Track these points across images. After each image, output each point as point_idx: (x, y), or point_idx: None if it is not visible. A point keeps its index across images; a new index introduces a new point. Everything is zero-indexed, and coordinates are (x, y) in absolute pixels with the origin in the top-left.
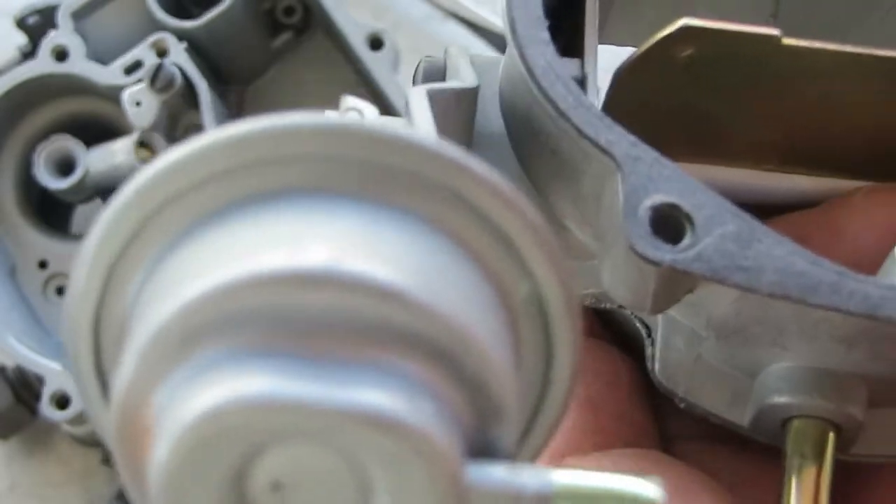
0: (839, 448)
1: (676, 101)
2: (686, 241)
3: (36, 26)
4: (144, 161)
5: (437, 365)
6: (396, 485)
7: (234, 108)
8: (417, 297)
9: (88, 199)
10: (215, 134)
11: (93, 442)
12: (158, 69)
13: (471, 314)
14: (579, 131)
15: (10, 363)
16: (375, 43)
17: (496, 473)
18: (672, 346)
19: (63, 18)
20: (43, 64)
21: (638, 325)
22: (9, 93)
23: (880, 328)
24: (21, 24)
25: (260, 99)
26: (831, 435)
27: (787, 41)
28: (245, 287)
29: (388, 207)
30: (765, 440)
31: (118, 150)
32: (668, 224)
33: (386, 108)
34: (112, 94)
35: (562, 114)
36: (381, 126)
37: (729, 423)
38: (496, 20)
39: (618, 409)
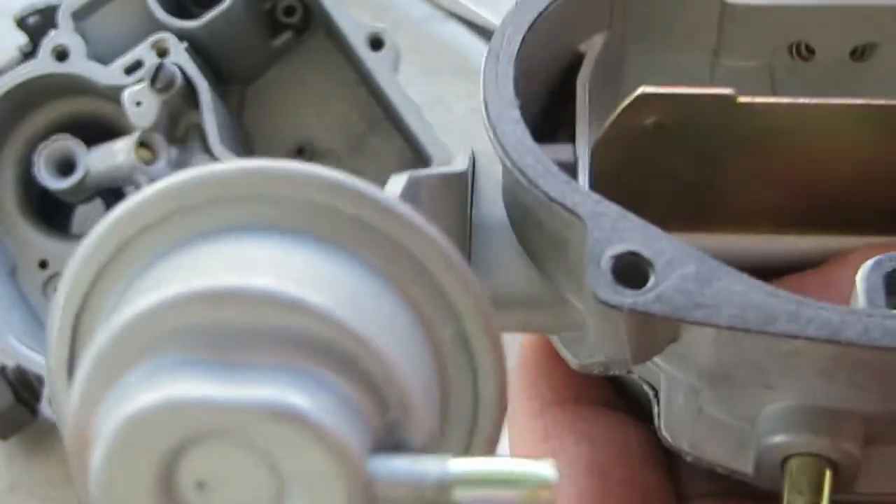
0: (840, 487)
1: (657, 172)
2: (647, 285)
3: (36, 26)
4: (145, 161)
5: (341, 369)
6: (305, 478)
7: (234, 108)
8: (317, 305)
9: (89, 199)
10: (194, 171)
11: None
12: (159, 69)
13: (376, 326)
14: (548, 196)
15: (10, 363)
16: (375, 43)
17: (399, 464)
18: (674, 402)
19: (63, 18)
20: (43, 64)
21: (645, 387)
22: (9, 93)
23: (849, 355)
24: (21, 23)
25: (260, 99)
26: (828, 472)
27: (742, 99)
28: (168, 307)
29: (314, 239)
30: (769, 486)
31: (119, 151)
32: (630, 271)
33: (386, 108)
34: (112, 94)
35: (531, 182)
36: (319, 170)
37: (736, 473)
38: (496, 20)
39: (627, 476)
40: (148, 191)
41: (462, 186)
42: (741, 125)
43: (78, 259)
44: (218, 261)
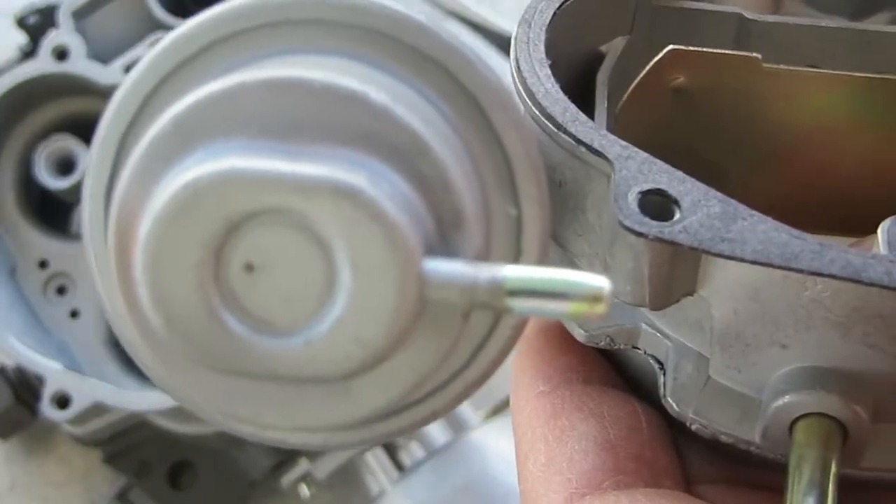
0: (847, 455)
1: (676, 145)
2: (674, 219)
3: (36, 26)
4: None
5: (401, 166)
6: (359, 265)
7: None
8: (378, 99)
9: None
10: None
11: (93, 442)
12: None
13: (433, 134)
14: (576, 139)
15: (10, 363)
16: None
17: (452, 265)
18: (682, 371)
19: (63, 18)
20: (43, 63)
21: (651, 361)
22: (9, 92)
23: (870, 304)
24: (21, 23)
25: None
26: (837, 435)
27: (768, 65)
28: (233, 92)
29: (374, 60)
30: (774, 453)
31: None
32: (657, 207)
33: None
34: (112, 94)
35: (560, 127)
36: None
37: (741, 441)
38: (496, 20)
39: (638, 452)
40: (217, 9)
41: None
42: (762, 92)
43: (139, 69)
44: (283, 61)
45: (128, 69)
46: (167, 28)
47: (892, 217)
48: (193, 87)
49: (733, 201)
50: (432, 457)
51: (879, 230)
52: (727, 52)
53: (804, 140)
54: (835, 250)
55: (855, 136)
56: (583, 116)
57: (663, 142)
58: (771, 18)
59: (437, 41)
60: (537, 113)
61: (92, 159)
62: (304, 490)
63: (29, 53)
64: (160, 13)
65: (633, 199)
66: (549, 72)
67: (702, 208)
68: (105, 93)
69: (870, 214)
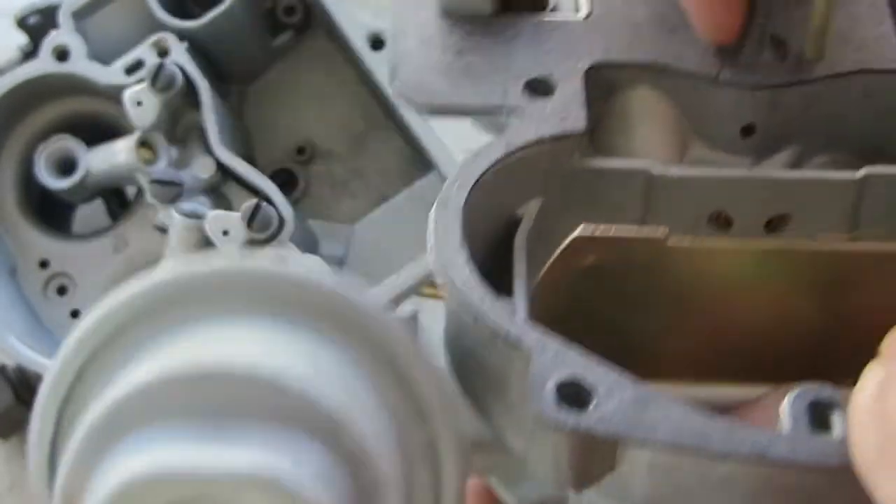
0: None
1: (592, 317)
2: (590, 408)
3: (37, 26)
4: (145, 161)
5: (320, 440)
6: None
7: (234, 108)
8: (297, 385)
9: (89, 199)
10: (175, 269)
11: None
12: (159, 69)
13: (351, 405)
14: (493, 331)
15: (10, 362)
16: (376, 43)
17: None
18: None
19: (64, 18)
20: (44, 64)
21: None
22: (9, 93)
23: (777, 479)
24: (22, 23)
25: (260, 99)
26: None
27: (673, 242)
28: (154, 385)
29: (294, 325)
30: None
31: (119, 150)
32: (573, 396)
33: (387, 109)
34: (113, 94)
35: (478, 318)
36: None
37: None
38: None
39: None
40: (130, 289)
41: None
42: (670, 267)
43: (65, 351)
44: (202, 341)
45: (128, 70)
46: (168, 29)
47: (796, 391)
48: (122, 367)
49: (646, 386)
50: None
51: (782, 408)
52: (633, 234)
53: (711, 301)
54: (743, 430)
55: (759, 295)
56: (499, 306)
57: (581, 310)
58: (677, 172)
59: (351, 304)
60: (455, 303)
61: (33, 431)
62: None
63: (29, 54)
64: (161, 14)
65: (549, 389)
66: (467, 257)
67: (616, 395)
68: (106, 93)
69: (776, 362)
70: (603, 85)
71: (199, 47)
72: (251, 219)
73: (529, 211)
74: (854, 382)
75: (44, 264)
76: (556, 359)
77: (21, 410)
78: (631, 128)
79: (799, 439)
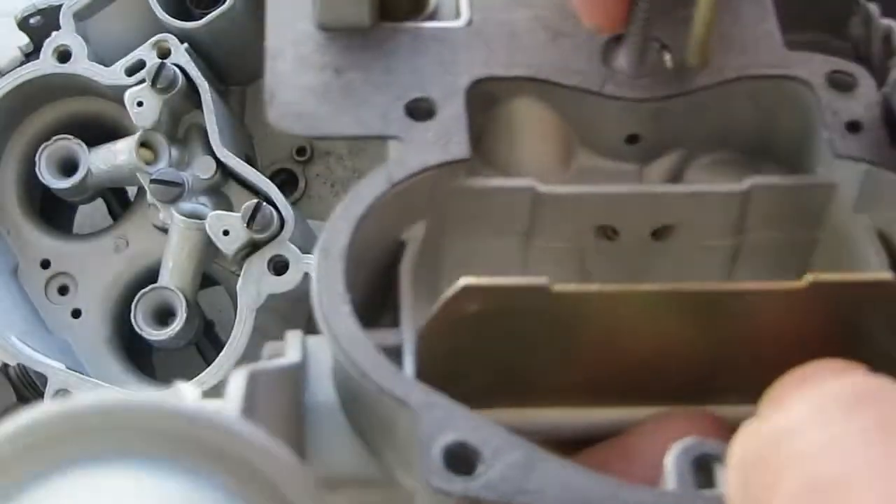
0: None
1: (479, 355)
2: (476, 472)
3: (38, 27)
4: (146, 161)
5: None
6: None
7: (234, 108)
8: None
9: (90, 199)
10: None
11: None
12: (160, 69)
13: None
14: (380, 388)
15: (12, 362)
16: None
17: None
18: None
19: (65, 19)
20: (45, 64)
21: None
22: (11, 93)
23: None
24: (23, 24)
25: (260, 99)
26: None
27: (556, 289)
28: None
29: (161, 463)
30: None
31: (120, 151)
32: (459, 459)
33: None
34: (114, 95)
35: (363, 374)
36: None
37: None
38: None
39: None
40: (22, 419)
41: (297, 376)
42: (555, 310)
43: None
44: (77, 482)
45: (129, 71)
46: (169, 30)
47: (681, 445)
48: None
49: (533, 446)
50: None
51: (667, 461)
52: (517, 282)
53: (597, 337)
54: (628, 490)
55: (643, 328)
56: (384, 361)
57: (468, 350)
58: (562, 190)
59: (226, 434)
60: (341, 357)
61: None
62: None
63: (31, 55)
64: (161, 15)
65: (436, 452)
66: (350, 308)
67: (503, 457)
68: (107, 94)
69: (664, 385)
70: (485, 97)
71: (199, 48)
72: (251, 219)
73: (414, 235)
74: (737, 401)
75: (45, 264)
76: (442, 420)
77: (23, 410)
78: (515, 139)
79: (685, 497)
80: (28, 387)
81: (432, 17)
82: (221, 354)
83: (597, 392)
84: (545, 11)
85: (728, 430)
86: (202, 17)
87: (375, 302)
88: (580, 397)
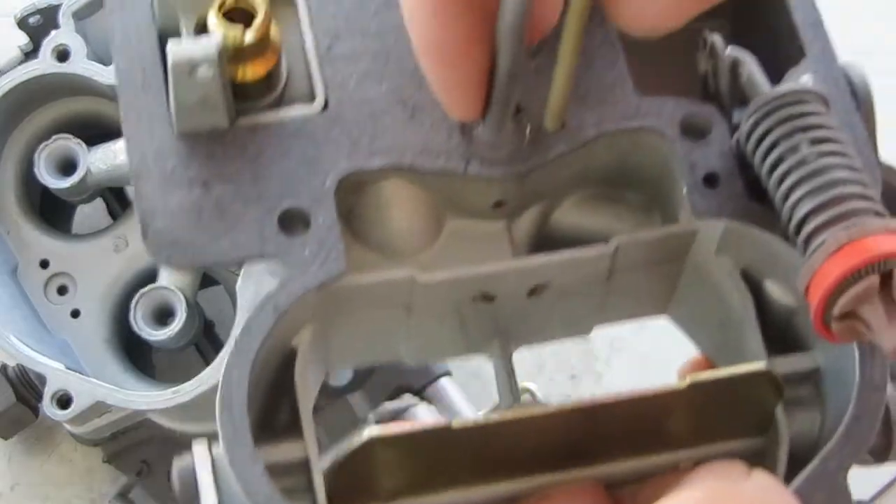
0: None
1: (386, 477)
2: None
3: (37, 26)
4: None
5: None
6: None
7: None
8: None
9: (90, 199)
10: None
11: (94, 441)
12: None
13: None
14: None
15: (11, 362)
16: None
17: None
18: None
19: (64, 18)
20: (44, 64)
21: None
22: (10, 93)
23: None
24: (22, 23)
25: None
26: None
27: (457, 425)
28: None
29: None
30: None
31: (119, 150)
32: None
33: None
34: (113, 94)
35: None
36: None
37: None
38: None
39: None
40: None
41: None
42: (457, 440)
43: None
44: None
45: None
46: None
47: None
48: None
49: None
50: None
51: None
52: (420, 428)
53: (495, 448)
54: None
55: (534, 437)
56: None
57: (373, 477)
58: (439, 276)
59: None
60: None
61: None
62: None
63: (29, 54)
64: None
65: None
66: (262, 467)
67: None
68: (106, 93)
69: (539, 460)
70: (353, 186)
71: None
72: None
73: (303, 341)
74: (614, 458)
75: (44, 264)
76: None
77: (22, 410)
78: (386, 217)
79: None
80: (27, 387)
81: (283, 94)
82: (221, 354)
83: (486, 471)
84: (400, 81)
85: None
86: None
87: (268, 403)
88: (471, 479)
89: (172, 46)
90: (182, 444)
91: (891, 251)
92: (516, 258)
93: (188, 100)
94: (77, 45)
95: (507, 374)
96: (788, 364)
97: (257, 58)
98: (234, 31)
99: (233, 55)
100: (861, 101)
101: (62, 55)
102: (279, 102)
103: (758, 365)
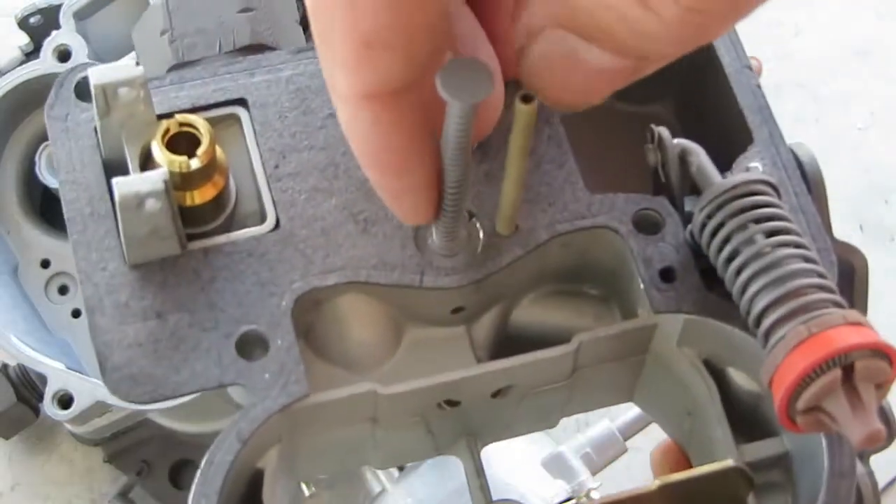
0: None
1: None
2: None
3: (38, 26)
4: None
5: None
6: None
7: None
8: None
9: None
10: None
11: (95, 441)
12: None
13: None
14: None
15: (12, 362)
16: None
17: None
18: None
19: (65, 18)
20: (45, 64)
21: None
22: (11, 93)
23: None
24: (23, 24)
25: None
26: None
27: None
28: None
29: None
30: None
31: None
32: None
33: None
34: None
35: None
36: None
37: None
38: None
39: None
40: None
41: None
42: None
43: None
44: None
45: None
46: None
47: None
48: None
49: None
50: None
51: None
52: None
53: None
54: None
55: None
56: None
57: None
58: (401, 388)
59: None
60: None
61: None
62: (305, 488)
63: (31, 54)
64: None
65: None
66: None
67: None
68: None
69: None
70: (310, 304)
71: None
72: None
73: (270, 461)
74: None
75: (45, 264)
76: None
77: (23, 410)
78: (345, 332)
79: None
80: (28, 387)
81: (234, 216)
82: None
83: None
84: (350, 195)
85: None
86: None
87: None
88: None
89: (118, 181)
90: (182, 444)
91: (852, 344)
92: (479, 364)
93: (139, 233)
94: (78, 46)
95: (477, 473)
96: (757, 450)
97: (205, 182)
98: (180, 158)
99: (180, 182)
100: (812, 183)
101: (63, 55)
102: (230, 224)
103: (727, 461)
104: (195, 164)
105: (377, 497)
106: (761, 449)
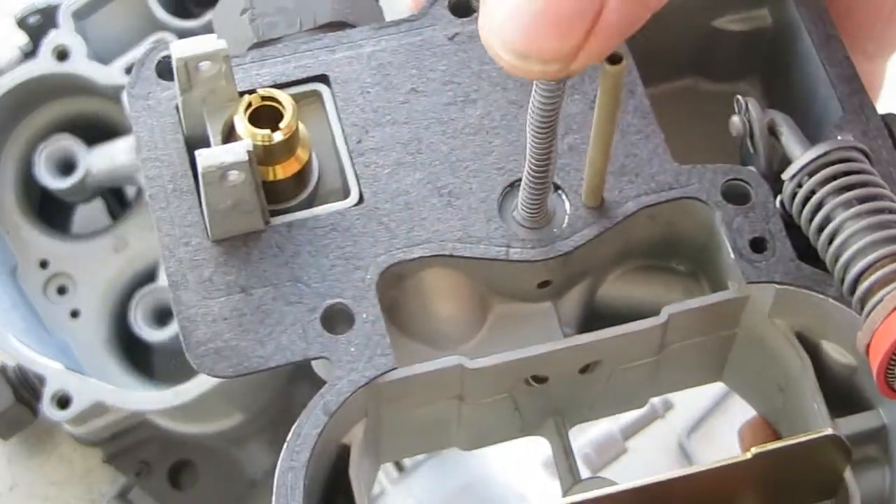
0: None
1: None
2: None
3: (37, 26)
4: None
5: None
6: None
7: None
8: None
9: (89, 198)
10: None
11: (94, 441)
12: None
13: None
14: None
15: (10, 363)
16: None
17: None
18: None
19: (64, 18)
20: (44, 64)
21: None
22: (10, 92)
23: None
24: (22, 23)
25: None
26: None
27: None
28: None
29: None
30: None
31: (119, 150)
32: None
33: None
34: (113, 94)
35: None
36: None
37: None
38: None
39: None
40: None
41: None
42: None
43: None
44: None
45: (128, 70)
46: (168, 29)
47: None
48: None
49: None
50: (432, 457)
51: None
52: None
53: None
54: None
55: None
56: None
57: None
58: (488, 362)
59: None
60: None
61: None
62: None
63: (29, 54)
64: (160, 14)
65: None
66: None
67: None
68: (106, 93)
69: None
70: (394, 278)
71: None
72: None
73: (356, 437)
74: None
75: (44, 264)
76: None
77: (22, 410)
78: (430, 306)
79: None
80: (26, 387)
81: (317, 191)
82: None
83: None
84: (434, 168)
85: None
86: (201, 16)
87: (324, 502)
88: None
89: (201, 153)
90: (181, 444)
91: None
92: (566, 338)
93: (221, 205)
94: (77, 45)
95: (565, 454)
96: (853, 424)
97: (288, 156)
98: (263, 132)
99: (263, 156)
100: None
101: (62, 55)
102: (313, 199)
103: (823, 430)
104: (278, 136)
105: (377, 497)
106: (857, 422)
